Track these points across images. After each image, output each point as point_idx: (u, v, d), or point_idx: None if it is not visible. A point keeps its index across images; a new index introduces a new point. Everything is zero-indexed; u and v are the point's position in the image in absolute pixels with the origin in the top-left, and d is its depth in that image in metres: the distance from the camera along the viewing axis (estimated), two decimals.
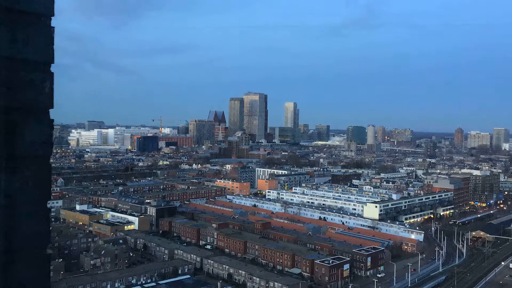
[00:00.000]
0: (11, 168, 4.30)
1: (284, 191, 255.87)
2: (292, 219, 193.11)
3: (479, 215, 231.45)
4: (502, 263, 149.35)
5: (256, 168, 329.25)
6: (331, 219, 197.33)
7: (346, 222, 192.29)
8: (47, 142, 4.59)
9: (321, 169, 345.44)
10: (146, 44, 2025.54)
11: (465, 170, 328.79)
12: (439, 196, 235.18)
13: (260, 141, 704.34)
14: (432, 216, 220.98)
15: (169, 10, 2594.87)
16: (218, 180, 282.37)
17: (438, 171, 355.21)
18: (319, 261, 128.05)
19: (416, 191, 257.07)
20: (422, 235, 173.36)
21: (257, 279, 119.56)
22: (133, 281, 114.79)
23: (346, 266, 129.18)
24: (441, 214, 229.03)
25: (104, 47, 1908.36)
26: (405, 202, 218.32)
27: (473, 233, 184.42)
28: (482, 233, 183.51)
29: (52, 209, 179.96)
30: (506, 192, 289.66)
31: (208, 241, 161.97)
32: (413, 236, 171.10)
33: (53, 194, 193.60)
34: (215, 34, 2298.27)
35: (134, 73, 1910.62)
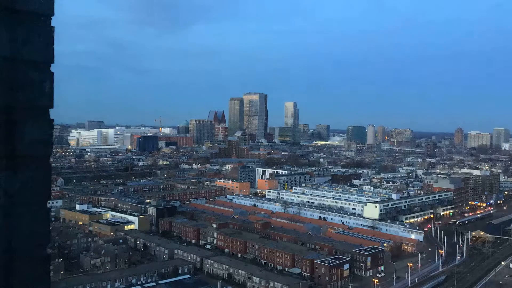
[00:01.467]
0: (11, 168, 4.30)
1: (284, 191, 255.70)
2: (292, 219, 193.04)
3: (479, 215, 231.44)
4: (502, 263, 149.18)
5: (256, 168, 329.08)
6: (331, 219, 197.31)
7: (346, 222, 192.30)
8: (47, 142, 4.59)
9: (321, 169, 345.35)
10: (176, 50, 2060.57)
11: (465, 170, 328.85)
12: (439, 196, 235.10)
13: (260, 141, 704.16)
14: (432, 216, 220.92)
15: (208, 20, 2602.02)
16: (218, 180, 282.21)
17: (438, 171, 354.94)
18: (319, 261, 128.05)
19: (416, 191, 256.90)
20: (422, 235, 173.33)
21: (257, 279, 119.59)
22: (133, 281, 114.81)
23: (346, 266, 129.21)
24: (441, 214, 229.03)
25: (140, 54, 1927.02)
26: (405, 202, 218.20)
27: (473, 233, 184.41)
28: (482, 233, 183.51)
29: (52, 209, 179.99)
30: (506, 192, 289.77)
31: (208, 241, 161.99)
32: (413, 236, 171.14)
33: (53, 194, 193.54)
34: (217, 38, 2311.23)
35: (149, 75, 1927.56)
